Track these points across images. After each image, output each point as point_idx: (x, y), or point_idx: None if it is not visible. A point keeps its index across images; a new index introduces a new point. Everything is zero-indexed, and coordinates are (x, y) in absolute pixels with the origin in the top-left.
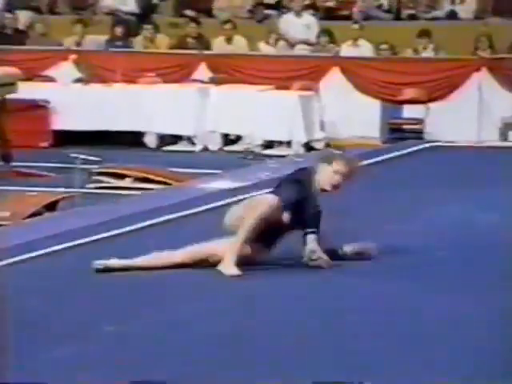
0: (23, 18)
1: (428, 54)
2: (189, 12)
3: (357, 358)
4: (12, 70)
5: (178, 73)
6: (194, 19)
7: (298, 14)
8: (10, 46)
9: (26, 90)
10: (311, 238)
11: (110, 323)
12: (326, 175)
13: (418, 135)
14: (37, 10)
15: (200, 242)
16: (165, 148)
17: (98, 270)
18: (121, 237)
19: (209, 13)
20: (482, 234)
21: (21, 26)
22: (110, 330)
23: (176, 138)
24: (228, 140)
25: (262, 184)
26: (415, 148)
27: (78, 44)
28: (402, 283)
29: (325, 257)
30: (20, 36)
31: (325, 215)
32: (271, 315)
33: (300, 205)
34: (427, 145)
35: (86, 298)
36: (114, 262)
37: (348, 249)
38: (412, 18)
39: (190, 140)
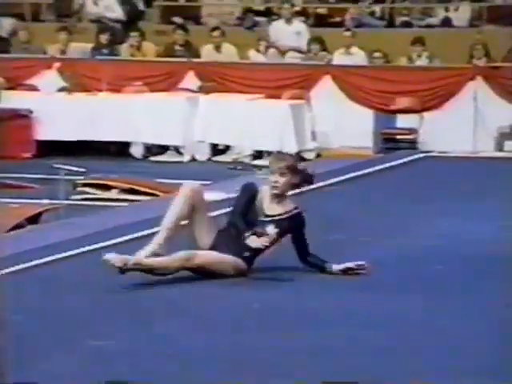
0: (6, 25)
1: (422, 62)
2: (176, 19)
3: (358, 372)
4: None
5: (165, 81)
6: (181, 26)
7: (288, 20)
8: None
9: (9, 99)
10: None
11: (96, 338)
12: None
13: (412, 145)
14: (20, 16)
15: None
16: (152, 158)
17: (114, 266)
18: (107, 250)
19: (196, 20)
20: (478, 246)
21: (3, 34)
22: (95, 344)
23: (163, 148)
24: (216, 150)
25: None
26: (409, 158)
27: (63, 52)
28: (398, 297)
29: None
30: (2, 44)
31: (316, 228)
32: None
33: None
34: (421, 155)
35: (69, 312)
36: (131, 259)
37: (336, 268)
38: (405, 25)
39: (178, 150)
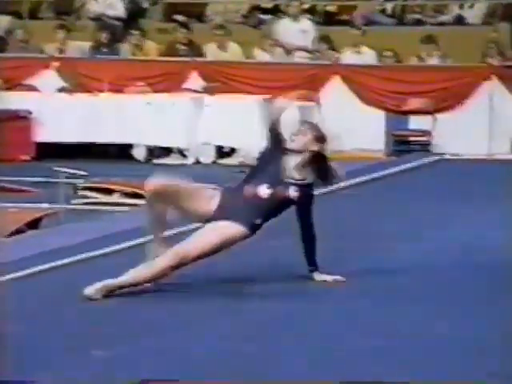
0: (2, 23)
1: (434, 61)
2: (179, 17)
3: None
4: None
5: (168, 81)
6: (184, 24)
7: (295, 18)
8: None
9: (7, 100)
10: None
11: (97, 347)
12: None
13: (425, 147)
14: (17, 14)
15: None
16: (154, 161)
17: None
18: (108, 256)
19: (200, 18)
20: (491, 251)
21: (0, 32)
22: (97, 354)
23: (166, 151)
24: (222, 153)
25: None
26: (422, 161)
27: (61, 51)
28: (408, 303)
29: None
30: None
31: (328, 231)
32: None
33: None
34: (434, 158)
35: (70, 321)
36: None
37: (318, 278)
38: (417, 23)
39: (182, 153)
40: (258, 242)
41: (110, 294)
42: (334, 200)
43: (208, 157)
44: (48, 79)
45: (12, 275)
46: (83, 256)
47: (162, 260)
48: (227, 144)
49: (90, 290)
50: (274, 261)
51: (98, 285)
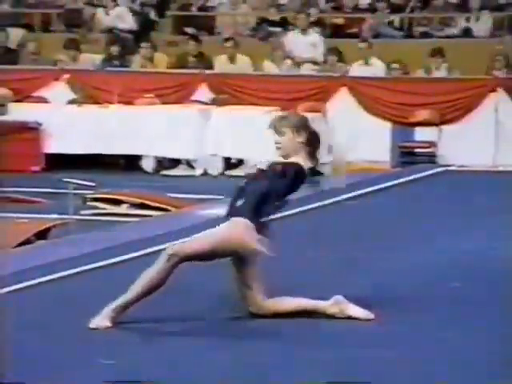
0: (15, 36)
1: (441, 73)
2: (189, 29)
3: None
4: (2, 91)
5: (177, 93)
6: (194, 37)
7: (304, 31)
8: (0, 66)
9: (17, 112)
10: None
11: (106, 356)
12: None
13: (431, 159)
14: (29, 27)
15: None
16: (163, 172)
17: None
18: (116, 266)
19: (210, 30)
20: (496, 263)
21: (12, 45)
22: (106, 363)
23: (174, 162)
24: (229, 164)
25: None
26: (427, 173)
27: (72, 63)
28: (411, 314)
29: None
30: (11, 55)
31: (332, 241)
32: None
33: None
34: (440, 169)
35: (79, 330)
36: None
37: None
38: (424, 35)
39: (190, 164)
40: None
41: (118, 315)
42: (339, 210)
43: (216, 168)
44: (59, 91)
45: (20, 285)
46: (92, 266)
47: (157, 263)
48: (235, 155)
49: (95, 322)
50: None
51: (103, 313)
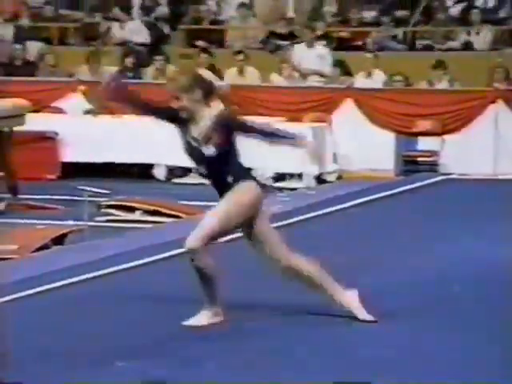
0: (33, 49)
1: (443, 85)
2: (200, 43)
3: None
4: (20, 102)
5: None
6: (205, 50)
7: (310, 44)
8: (19, 78)
9: (35, 122)
10: None
11: (121, 359)
12: None
13: (433, 168)
14: (47, 40)
15: None
16: (174, 180)
17: None
18: (130, 271)
19: (220, 43)
20: (497, 269)
21: (30, 57)
22: (122, 365)
23: (185, 171)
24: None
25: (272, 217)
26: (429, 181)
27: (89, 75)
28: (411, 320)
29: None
30: (29, 67)
31: (334, 248)
32: None
33: None
34: (442, 177)
35: (93, 333)
36: None
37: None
38: (427, 48)
39: (200, 172)
40: None
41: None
42: (344, 217)
43: None
44: (75, 102)
45: (37, 289)
46: (107, 271)
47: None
48: (244, 164)
49: (194, 320)
50: None
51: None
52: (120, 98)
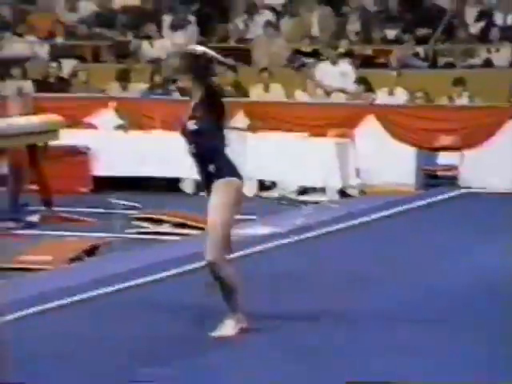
0: (67, 66)
1: (463, 101)
2: (227, 60)
3: None
4: (54, 117)
5: None
6: (232, 67)
7: (334, 62)
8: (53, 94)
9: (68, 137)
10: None
11: (147, 365)
12: None
13: (453, 181)
14: (81, 58)
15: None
16: (202, 194)
17: None
18: (159, 282)
19: (247, 61)
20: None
21: (64, 75)
22: (145, 371)
23: None
24: (263, 186)
25: (296, 230)
26: (449, 195)
27: (120, 92)
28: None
29: None
30: (63, 84)
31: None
32: None
33: None
34: (462, 191)
35: (122, 341)
36: None
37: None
38: (448, 65)
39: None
40: None
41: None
42: (367, 230)
43: (250, 190)
44: (107, 117)
45: (71, 299)
46: (137, 282)
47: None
48: (268, 178)
49: (221, 331)
50: None
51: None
52: None
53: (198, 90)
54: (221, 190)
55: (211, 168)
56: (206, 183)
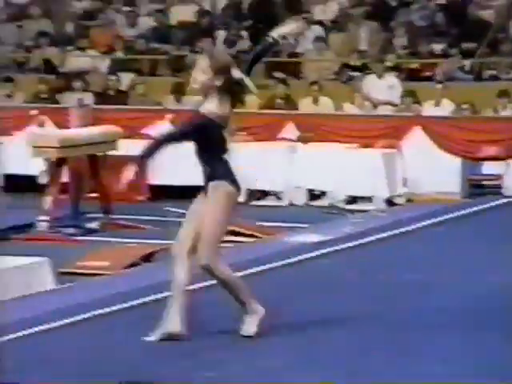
0: (126, 79)
1: (507, 113)
2: (278, 74)
3: None
4: (113, 129)
5: (267, 132)
6: (282, 81)
7: (380, 75)
8: (112, 106)
9: (126, 147)
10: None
11: (206, 368)
12: None
13: (497, 190)
14: (138, 71)
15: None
16: (253, 202)
17: None
18: (210, 288)
19: (297, 75)
20: None
21: (123, 87)
22: (207, 375)
23: (264, 193)
24: (313, 195)
25: (345, 238)
26: (494, 203)
27: (176, 104)
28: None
29: None
30: (121, 96)
31: (400, 268)
32: None
33: None
34: (505, 200)
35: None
36: None
37: (275, 34)
38: (493, 78)
39: (277, 195)
40: None
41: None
42: (415, 237)
43: (301, 199)
44: (163, 129)
45: (127, 304)
46: (192, 287)
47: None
48: (318, 187)
49: (245, 330)
50: None
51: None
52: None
53: (216, 100)
54: (216, 194)
55: (206, 168)
56: (205, 178)
